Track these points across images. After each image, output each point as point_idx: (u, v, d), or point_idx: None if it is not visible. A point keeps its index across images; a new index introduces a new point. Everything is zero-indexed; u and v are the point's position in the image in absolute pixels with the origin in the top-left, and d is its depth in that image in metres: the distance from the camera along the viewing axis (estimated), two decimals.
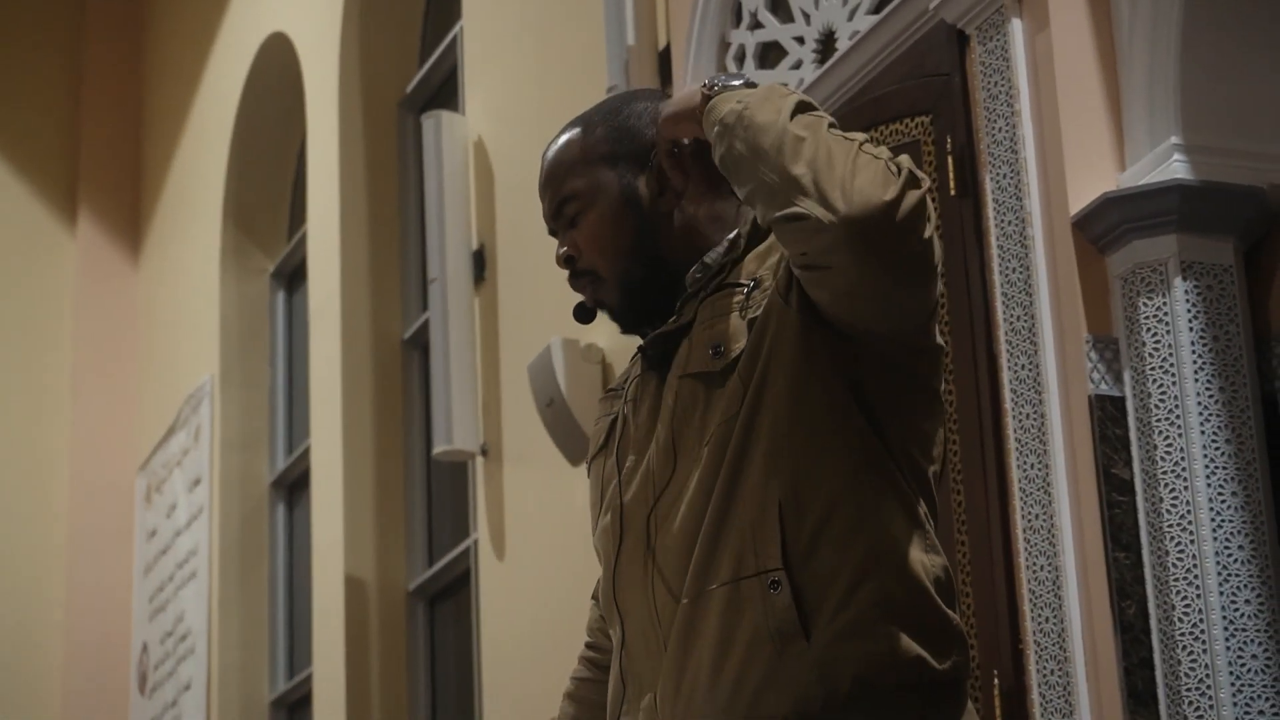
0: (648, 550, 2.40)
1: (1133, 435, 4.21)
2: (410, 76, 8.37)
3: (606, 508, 2.50)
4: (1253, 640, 4.04)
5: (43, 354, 10.25)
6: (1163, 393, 4.16)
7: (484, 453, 6.96)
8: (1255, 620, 4.05)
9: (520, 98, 7.04)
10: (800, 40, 5.37)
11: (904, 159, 2.30)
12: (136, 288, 10.49)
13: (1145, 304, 4.22)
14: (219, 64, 9.77)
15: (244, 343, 9.42)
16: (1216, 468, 4.13)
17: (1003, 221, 4.47)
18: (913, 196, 2.24)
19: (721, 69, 5.62)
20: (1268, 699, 4.02)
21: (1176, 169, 4.26)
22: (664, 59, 6.00)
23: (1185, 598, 4.06)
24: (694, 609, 2.33)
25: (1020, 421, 4.36)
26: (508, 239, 6.99)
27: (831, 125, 2.33)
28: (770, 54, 5.50)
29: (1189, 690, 4.01)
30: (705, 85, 2.43)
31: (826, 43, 5.30)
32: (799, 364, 2.34)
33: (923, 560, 2.32)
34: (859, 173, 2.24)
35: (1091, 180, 4.35)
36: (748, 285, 2.40)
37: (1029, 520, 4.31)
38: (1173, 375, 4.17)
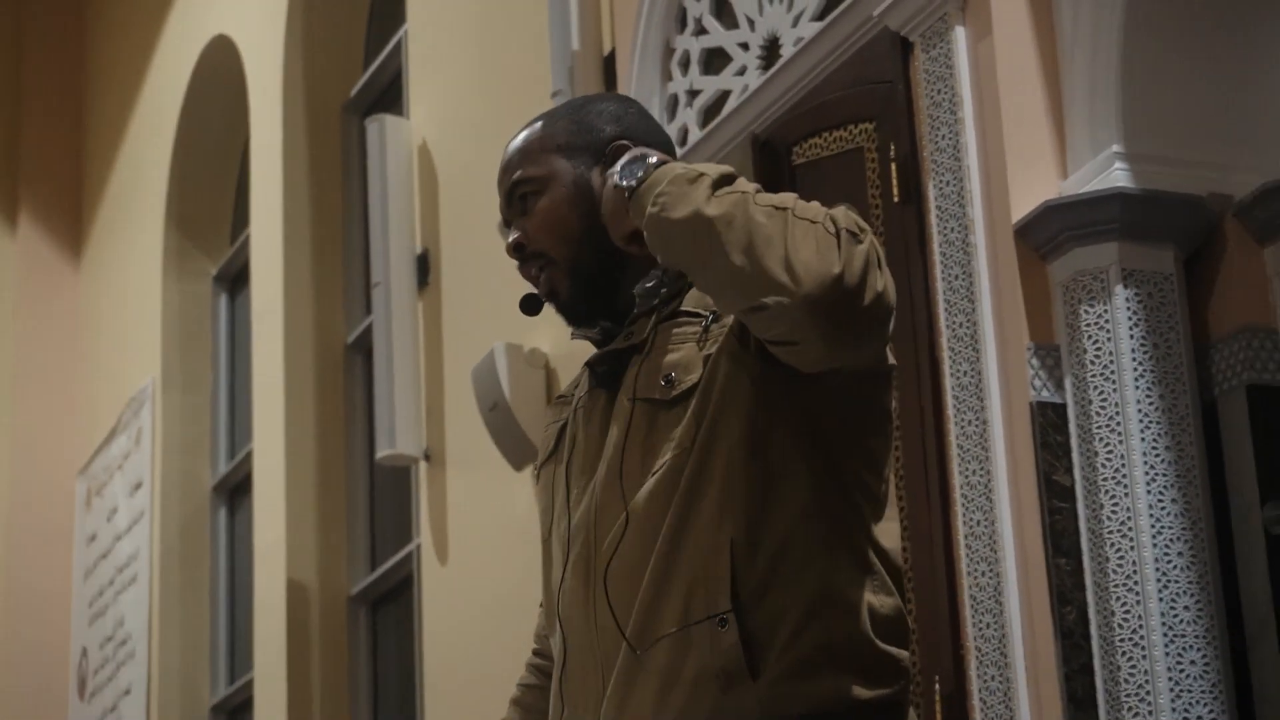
0: (591, 571, 2.40)
1: (1073, 442, 4.23)
2: (354, 80, 8.35)
3: (557, 519, 2.50)
4: (1192, 646, 4.07)
5: None
6: (1103, 400, 4.19)
7: (427, 457, 6.94)
8: (1194, 626, 4.08)
9: (465, 102, 7.03)
10: (745, 46, 5.38)
11: (839, 212, 2.26)
12: (78, 290, 10.43)
13: (1086, 311, 4.24)
14: (162, 66, 9.73)
15: (186, 346, 9.38)
16: (1156, 474, 4.15)
17: (945, 229, 4.49)
18: (858, 255, 2.21)
19: (666, 75, 5.63)
20: (1205, 704, 4.04)
21: (1118, 177, 4.28)
22: (609, 64, 6.00)
23: (1125, 603, 4.08)
24: (640, 656, 2.33)
25: (962, 428, 4.37)
26: (452, 243, 6.98)
27: (758, 193, 2.29)
28: (714, 60, 5.51)
29: (1128, 695, 4.03)
30: (618, 181, 2.39)
31: (771, 49, 5.31)
32: (756, 406, 2.34)
33: (871, 602, 2.33)
34: (799, 246, 2.21)
35: (1033, 188, 4.37)
36: (707, 316, 2.40)
37: (970, 526, 4.33)
38: (1113, 382, 4.19)
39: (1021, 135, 4.41)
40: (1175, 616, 4.07)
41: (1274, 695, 4.09)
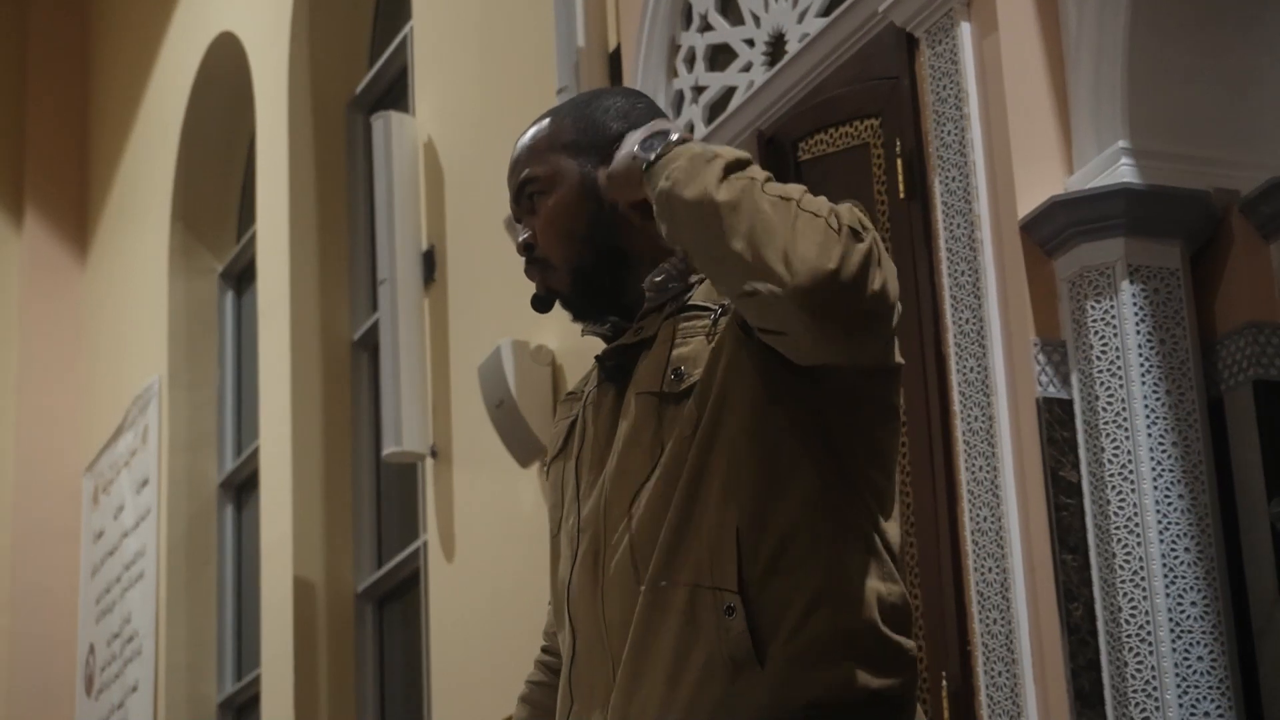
0: (599, 566, 2.40)
1: (1080, 438, 4.23)
2: (360, 77, 8.36)
3: (566, 514, 2.50)
4: (1199, 642, 4.07)
5: None
6: (1110, 395, 4.18)
7: (433, 454, 6.95)
8: (1201, 622, 4.08)
9: (470, 99, 7.03)
10: (750, 43, 5.38)
11: (844, 209, 2.26)
12: (84, 287, 10.44)
13: (1092, 307, 4.24)
14: (167, 63, 9.73)
15: (192, 343, 9.39)
16: (1163, 470, 4.15)
17: (951, 225, 4.49)
18: (857, 253, 2.21)
19: (671, 72, 5.63)
20: (1213, 700, 4.04)
21: (1123, 173, 4.28)
22: (614, 60, 6.00)
23: (1132, 599, 4.08)
24: (654, 596, 2.33)
25: (968, 424, 4.37)
26: (458, 240, 6.98)
27: (767, 181, 2.29)
28: (720, 56, 5.51)
29: (1135, 691, 4.03)
30: (637, 152, 2.41)
31: (776, 45, 5.31)
32: (759, 393, 2.34)
33: (878, 589, 2.33)
34: (799, 239, 2.22)
35: (1039, 184, 4.37)
36: (715, 310, 2.40)
37: (977, 522, 4.33)
38: (1120, 378, 4.19)
39: (1027, 131, 4.41)
40: (1182, 612, 4.07)
41: None
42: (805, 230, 2.22)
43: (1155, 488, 4.13)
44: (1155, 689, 4.02)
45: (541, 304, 2.57)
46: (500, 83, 6.80)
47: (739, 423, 2.34)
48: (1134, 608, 4.07)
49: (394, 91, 8.07)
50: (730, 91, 5.42)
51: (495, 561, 6.49)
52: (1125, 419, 4.17)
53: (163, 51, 9.79)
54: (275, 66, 8.44)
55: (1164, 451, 4.16)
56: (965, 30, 4.52)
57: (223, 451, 9.29)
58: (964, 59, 4.51)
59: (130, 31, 10.21)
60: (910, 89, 4.68)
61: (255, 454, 8.56)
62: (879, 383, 2.38)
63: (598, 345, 2.59)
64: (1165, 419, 4.18)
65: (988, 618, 4.27)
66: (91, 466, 10.03)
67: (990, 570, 4.28)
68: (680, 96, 5.59)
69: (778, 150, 5.11)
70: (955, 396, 4.42)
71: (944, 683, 4.36)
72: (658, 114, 2.58)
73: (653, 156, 2.38)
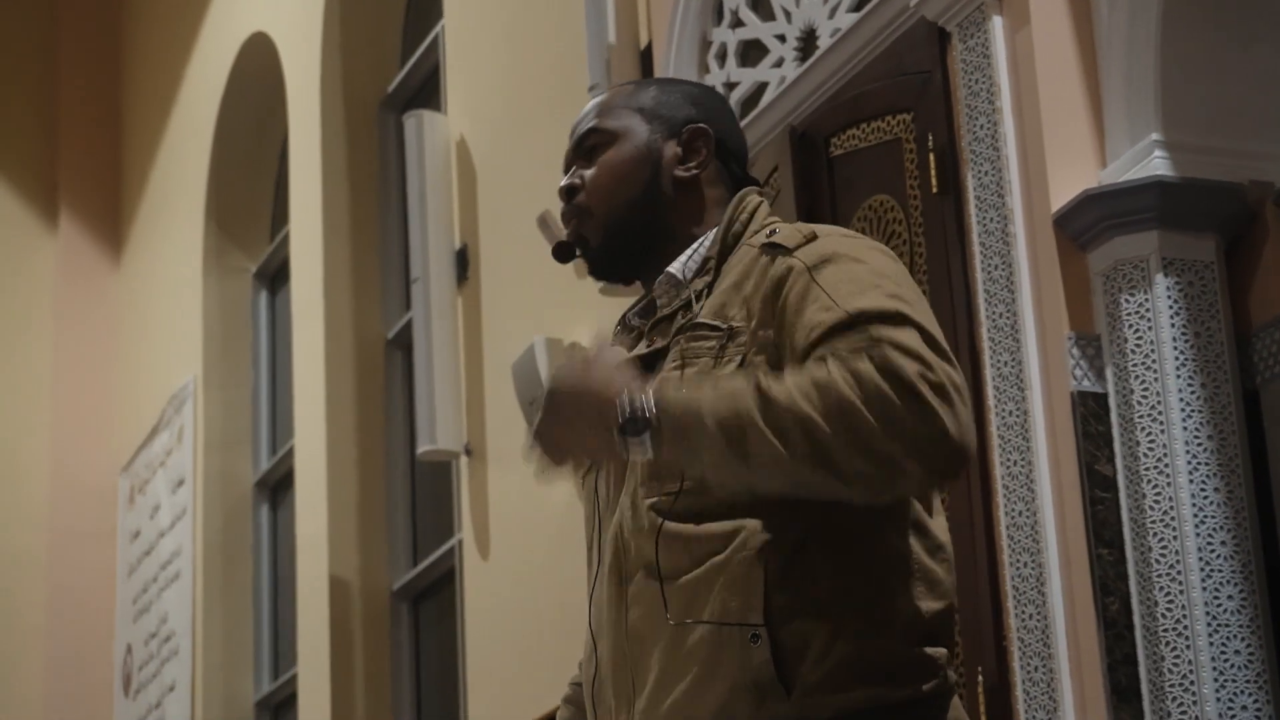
0: (621, 582, 2.41)
1: (1115, 432, 4.22)
2: (392, 76, 8.37)
3: (596, 528, 2.51)
4: (1235, 635, 4.05)
5: (24, 355, 10.23)
6: (1145, 389, 4.17)
7: (468, 452, 6.95)
8: (1238, 616, 4.06)
9: (502, 97, 7.04)
10: (781, 38, 5.38)
11: (896, 364, 2.20)
12: (118, 288, 10.47)
13: (1127, 300, 4.23)
14: (200, 63, 9.76)
15: (227, 343, 9.41)
16: (1199, 464, 4.13)
17: (984, 219, 4.48)
18: (952, 410, 2.21)
19: (703, 68, 5.62)
20: (1250, 694, 4.03)
21: (1157, 166, 4.27)
22: (645, 57, 6.00)
23: (1168, 593, 4.06)
24: (680, 629, 2.33)
25: (1003, 418, 4.37)
26: (490, 238, 6.99)
27: (765, 403, 2.20)
28: (751, 52, 5.51)
29: (1172, 686, 4.02)
30: (625, 439, 2.27)
31: (807, 41, 5.30)
32: None
33: (910, 608, 2.32)
34: (894, 433, 2.18)
35: (1072, 177, 4.35)
36: (724, 331, 2.38)
37: (1012, 517, 4.32)
38: (1154, 371, 4.18)
39: (1060, 125, 4.40)
40: (1219, 606, 4.05)
41: None
42: (890, 418, 2.18)
43: (1191, 481, 4.11)
44: (1192, 683, 4.01)
45: (563, 252, 2.58)
46: (531, 81, 6.81)
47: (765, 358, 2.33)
48: (1170, 602, 4.06)
49: (426, 90, 8.08)
50: (762, 87, 5.42)
51: (530, 559, 6.50)
52: (1160, 413, 4.15)
53: (195, 52, 9.82)
54: (307, 66, 8.46)
55: (1199, 445, 4.15)
56: (997, 24, 4.51)
57: (258, 451, 9.31)
58: (996, 53, 4.50)
59: (163, 32, 10.24)
60: (942, 84, 4.67)
61: (290, 453, 8.57)
62: None
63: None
64: (1200, 412, 4.16)
65: (1023, 613, 4.26)
66: (127, 467, 10.06)
67: (1026, 565, 4.27)
68: None
69: (810, 146, 5.11)
70: (990, 391, 4.41)
71: (980, 678, 4.35)
72: (730, 115, 2.61)
73: (648, 452, 2.27)
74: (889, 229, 4.83)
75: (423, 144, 7.13)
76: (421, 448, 7.00)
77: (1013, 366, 4.36)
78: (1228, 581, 4.08)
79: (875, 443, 2.18)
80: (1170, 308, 4.21)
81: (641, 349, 2.47)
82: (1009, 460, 4.34)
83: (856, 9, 5.08)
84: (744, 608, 2.29)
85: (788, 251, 2.38)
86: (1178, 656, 4.03)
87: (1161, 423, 4.15)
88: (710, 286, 2.45)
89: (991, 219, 4.46)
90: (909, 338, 2.23)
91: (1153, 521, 4.10)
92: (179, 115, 9.95)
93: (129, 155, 10.57)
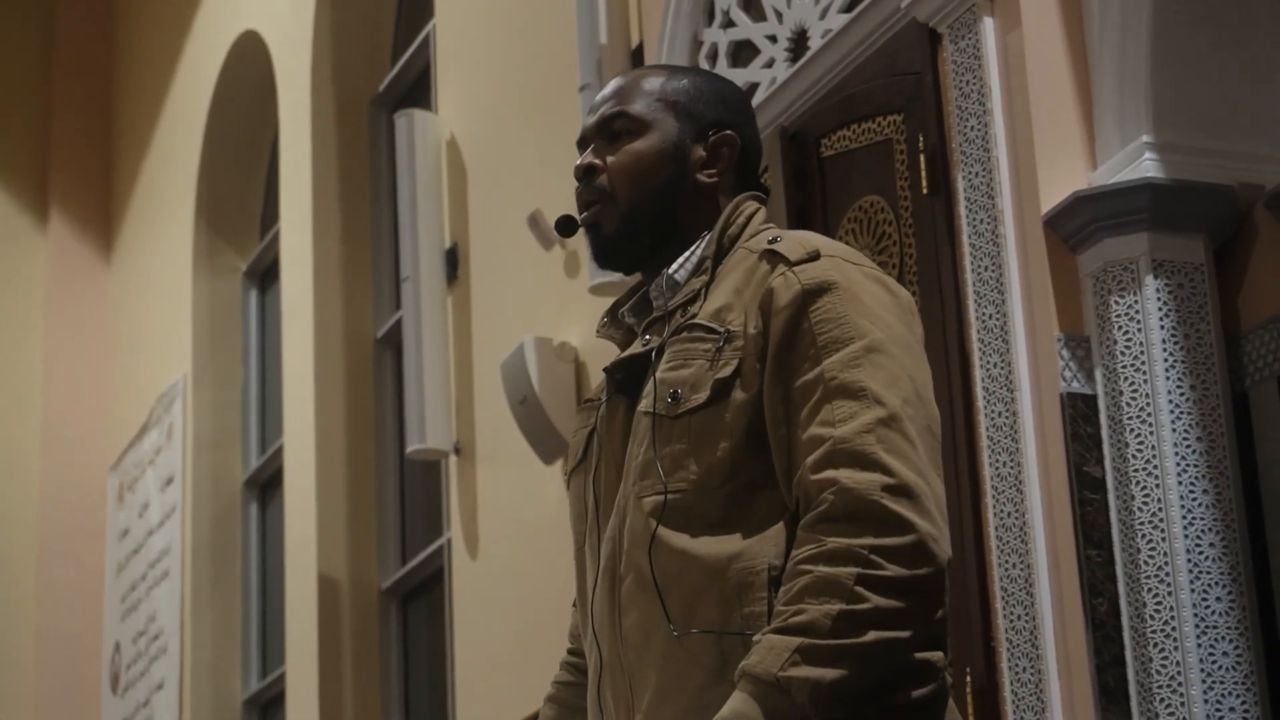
0: (616, 586, 2.41)
1: (1104, 433, 4.22)
2: (383, 75, 8.37)
3: (589, 529, 2.50)
4: (1224, 637, 4.06)
5: (14, 353, 10.22)
6: (1134, 390, 4.18)
7: (457, 451, 6.95)
8: (1226, 617, 4.07)
9: (493, 96, 7.03)
10: (772, 39, 5.38)
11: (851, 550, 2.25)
12: (108, 286, 10.46)
13: (1116, 302, 4.23)
14: (191, 62, 9.75)
15: (216, 341, 9.40)
16: (1188, 465, 4.14)
17: (975, 220, 4.48)
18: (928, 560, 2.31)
19: (694, 65, 5.61)
20: (1239, 696, 4.03)
21: (1147, 167, 4.27)
22: (637, 58, 6.00)
23: (1157, 595, 4.07)
24: (679, 642, 2.33)
25: (992, 419, 4.37)
26: (480, 237, 6.99)
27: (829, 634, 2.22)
28: (742, 52, 5.51)
29: (1160, 687, 4.02)
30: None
31: (799, 41, 5.30)
32: (769, 448, 2.36)
33: None
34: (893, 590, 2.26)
35: (1063, 179, 4.36)
36: (720, 334, 2.38)
37: (1001, 518, 4.32)
38: (1144, 373, 4.18)
39: (1050, 126, 4.40)
40: (1207, 608, 4.06)
41: None
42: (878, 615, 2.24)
43: (1180, 483, 4.12)
44: (1180, 685, 4.01)
45: (567, 227, 2.56)
46: (523, 80, 6.81)
47: (756, 467, 2.34)
48: (1159, 603, 4.06)
49: (417, 89, 8.08)
50: (753, 88, 5.42)
51: (519, 558, 6.50)
52: (1149, 414, 4.16)
53: (186, 50, 9.81)
54: (298, 65, 8.46)
55: (1188, 447, 4.15)
56: (988, 25, 4.52)
57: (247, 449, 9.30)
58: (987, 54, 4.50)
59: (154, 31, 10.23)
60: (933, 84, 4.67)
61: (279, 452, 8.57)
62: None
63: (613, 350, 2.59)
64: (1190, 414, 4.17)
65: (1012, 614, 4.26)
66: (117, 465, 10.06)
67: (1014, 566, 4.27)
68: None
69: (801, 146, 5.11)
70: (979, 392, 4.41)
71: (968, 679, 4.35)
72: (754, 122, 2.60)
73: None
74: (879, 230, 4.83)
75: (413, 143, 7.13)
76: (411, 447, 6.99)
77: (1002, 368, 4.36)
78: (1216, 583, 4.08)
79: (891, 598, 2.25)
80: (1160, 309, 4.21)
81: (637, 347, 2.46)
82: (998, 461, 4.34)
83: (848, 10, 5.09)
84: (745, 617, 2.29)
85: (788, 264, 2.38)
86: (1166, 658, 4.03)
87: (1151, 424, 4.15)
88: (707, 288, 2.45)
89: (982, 220, 4.46)
90: (873, 482, 2.26)
91: (1141, 523, 4.11)
92: (170, 114, 9.94)
93: (120, 154, 10.56)
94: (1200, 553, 4.09)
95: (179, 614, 9.06)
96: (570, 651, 2.73)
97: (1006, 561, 4.29)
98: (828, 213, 5.01)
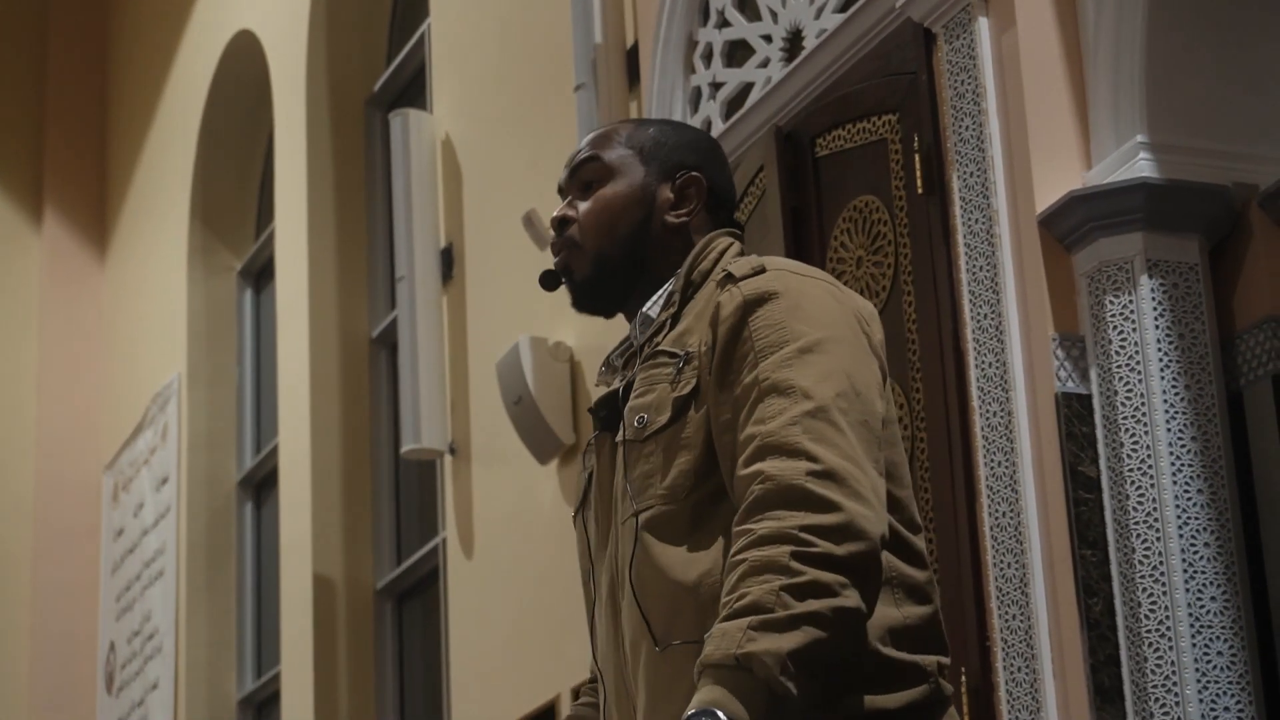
0: (616, 616, 2.46)
1: (1099, 433, 4.22)
2: (378, 74, 8.36)
3: (592, 565, 2.57)
4: (1218, 637, 4.06)
5: (8, 352, 10.21)
6: (1129, 390, 4.18)
7: (452, 451, 6.95)
8: (1221, 617, 4.07)
9: (488, 96, 7.03)
10: (767, 38, 5.38)
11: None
12: (103, 286, 10.46)
13: (1111, 302, 4.24)
14: (185, 61, 9.75)
15: (211, 341, 9.40)
16: (1182, 465, 4.14)
17: (969, 220, 4.48)
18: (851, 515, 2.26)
19: (689, 68, 5.62)
20: (1233, 695, 4.03)
21: (1142, 167, 4.27)
22: (632, 57, 6.00)
23: (1151, 595, 4.07)
24: (662, 656, 2.37)
25: (987, 419, 4.37)
26: (476, 237, 6.99)
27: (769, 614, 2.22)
28: (737, 52, 5.51)
29: (1155, 687, 4.03)
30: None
31: (794, 41, 5.30)
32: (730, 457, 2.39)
33: (891, 616, 2.36)
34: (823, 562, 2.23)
35: (1057, 178, 4.36)
36: (680, 356, 2.44)
37: (996, 518, 4.32)
38: (1139, 373, 4.18)
39: (1045, 126, 4.40)
40: (1202, 607, 4.06)
41: None
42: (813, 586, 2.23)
43: (1175, 483, 4.12)
44: (1175, 684, 4.02)
45: (550, 281, 2.64)
46: (518, 80, 6.81)
47: (717, 477, 2.38)
48: (1154, 603, 4.06)
49: (412, 89, 8.08)
50: (748, 87, 5.42)
51: (514, 558, 6.50)
52: (1144, 414, 4.16)
53: (181, 50, 9.81)
54: (293, 64, 8.45)
55: (1183, 446, 4.15)
56: (983, 25, 4.52)
57: (242, 449, 9.30)
58: (982, 54, 4.50)
59: (149, 30, 10.23)
60: (928, 84, 4.67)
61: (274, 451, 8.57)
62: None
63: (617, 339, 2.63)
64: (1184, 414, 4.17)
65: (1007, 613, 4.26)
66: (111, 464, 10.05)
67: (1009, 566, 4.27)
68: (698, 93, 5.59)
69: (795, 146, 5.11)
70: (974, 392, 4.42)
71: (963, 678, 4.35)
72: (725, 168, 2.66)
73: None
74: (874, 229, 4.83)
75: (408, 143, 7.13)
76: (406, 446, 6.99)
77: (997, 367, 4.36)
78: (1211, 583, 4.09)
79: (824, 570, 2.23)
80: (1155, 309, 4.21)
81: (615, 384, 2.54)
82: (993, 461, 4.34)
83: (842, 10, 5.09)
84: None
85: (734, 280, 2.44)
86: (1160, 658, 4.04)
87: (1145, 424, 4.15)
88: (674, 319, 2.51)
89: (977, 220, 4.47)
90: (798, 468, 2.27)
91: (1136, 523, 4.11)
92: (164, 113, 9.94)
93: (114, 153, 10.55)
94: (1195, 552, 4.09)
95: (174, 613, 9.06)
96: (590, 679, 2.78)
97: (1001, 561, 4.29)
98: (822, 213, 5.01)
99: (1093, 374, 4.26)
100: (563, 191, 2.64)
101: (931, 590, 2.41)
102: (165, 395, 9.42)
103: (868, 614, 2.26)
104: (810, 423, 2.30)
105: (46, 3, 10.64)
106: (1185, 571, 4.07)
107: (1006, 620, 4.26)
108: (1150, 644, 4.04)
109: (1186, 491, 4.12)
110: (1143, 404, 4.16)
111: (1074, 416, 4.24)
